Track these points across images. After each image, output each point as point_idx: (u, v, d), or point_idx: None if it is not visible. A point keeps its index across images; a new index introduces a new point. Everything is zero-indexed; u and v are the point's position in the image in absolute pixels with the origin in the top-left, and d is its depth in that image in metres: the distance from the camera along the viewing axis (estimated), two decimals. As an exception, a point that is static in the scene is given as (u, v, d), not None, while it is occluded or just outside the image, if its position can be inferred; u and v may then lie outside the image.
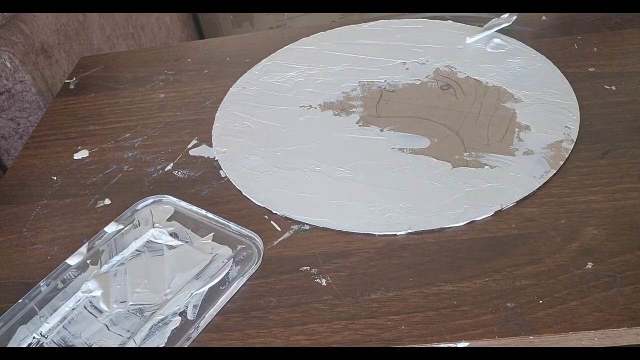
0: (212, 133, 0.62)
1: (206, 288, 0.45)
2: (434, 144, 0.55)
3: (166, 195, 0.54)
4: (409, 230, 0.47)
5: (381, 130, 0.58)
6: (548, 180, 0.50)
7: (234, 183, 0.55)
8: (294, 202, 0.52)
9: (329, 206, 0.51)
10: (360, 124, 0.60)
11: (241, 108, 0.65)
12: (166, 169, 0.58)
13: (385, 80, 0.65)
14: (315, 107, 0.63)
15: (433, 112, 0.59)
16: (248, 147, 0.59)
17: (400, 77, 0.65)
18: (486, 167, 0.52)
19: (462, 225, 0.47)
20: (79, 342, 0.43)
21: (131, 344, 0.42)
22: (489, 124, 0.57)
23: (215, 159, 0.58)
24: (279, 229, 0.50)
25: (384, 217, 0.49)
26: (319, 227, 0.49)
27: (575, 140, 0.53)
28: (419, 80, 0.64)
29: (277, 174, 0.55)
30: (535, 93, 0.60)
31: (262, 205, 0.52)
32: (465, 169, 0.52)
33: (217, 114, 0.65)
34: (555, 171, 0.50)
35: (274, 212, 0.51)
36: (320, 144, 0.58)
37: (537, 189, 0.49)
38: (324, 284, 0.45)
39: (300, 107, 0.64)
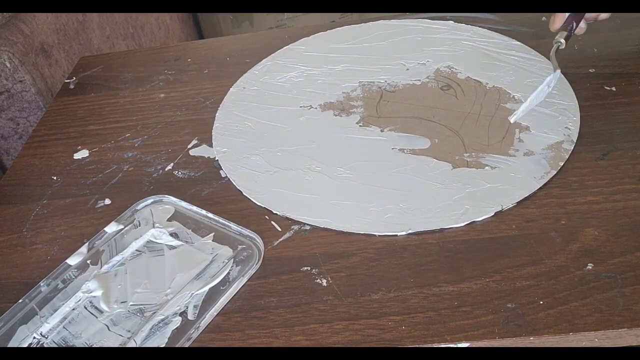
0: (213, 133, 0.62)
1: (207, 288, 0.45)
2: (434, 145, 0.55)
3: (166, 195, 0.54)
4: (410, 231, 0.47)
5: (381, 131, 0.58)
6: (548, 181, 0.50)
7: (234, 183, 0.55)
8: (294, 203, 0.52)
9: (329, 206, 0.51)
10: (361, 125, 0.60)
11: (241, 108, 0.65)
12: (166, 169, 0.58)
13: (385, 81, 0.65)
14: (316, 108, 0.63)
15: (433, 113, 0.60)
16: (248, 147, 0.59)
17: (400, 78, 0.65)
18: (486, 167, 0.52)
19: (463, 226, 0.47)
20: (79, 342, 0.43)
21: (131, 344, 0.42)
22: (490, 124, 0.57)
23: (216, 159, 0.58)
24: (279, 229, 0.50)
25: (385, 217, 0.49)
26: (320, 227, 0.49)
27: (575, 141, 0.53)
28: (419, 80, 0.64)
29: (278, 174, 0.55)
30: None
31: (263, 206, 0.52)
32: (466, 170, 0.52)
33: (217, 114, 0.65)
34: (555, 172, 0.50)
35: (274, 212, 0.51)
36: (321, 144, 0.58)
37: (537, 190, 0.49)
38: (324, 284, 0.45)
39: (300, 107, 0.64)
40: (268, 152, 0.58)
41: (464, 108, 0.59)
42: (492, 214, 0.48)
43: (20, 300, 0.46)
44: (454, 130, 0.57)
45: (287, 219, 0.50)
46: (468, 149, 0.54)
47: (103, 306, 0.45)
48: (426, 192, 0.51)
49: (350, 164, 0.55)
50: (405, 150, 0.55)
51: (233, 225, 0.50)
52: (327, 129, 0.60)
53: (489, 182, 0.50)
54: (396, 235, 0.47)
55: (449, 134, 0.56)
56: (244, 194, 0.54)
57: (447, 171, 0.52)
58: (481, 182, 0.51)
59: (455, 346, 0.39)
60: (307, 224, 0.49)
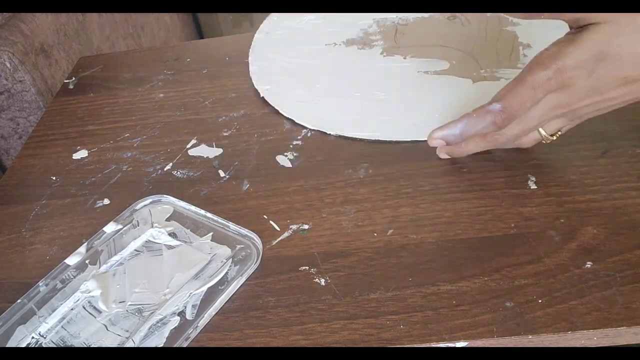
0: (251, 74, 0.69)
1: (205, 288, 0.45)
2: (452, 66, 0.64)
3: (165, 195, 0.54)
4: None
5: (404, 58, 0.66)
6: (547, 179, 0.50)
7: (284, 114, 0.61)
8: (343, 123, 0.59)
9: (375, 123, 0.58)
10: (385, 55, 0.68)
11: (271, 51, 0.72)
12: (165, 169, 0.58)
13: (397, 16, 0.73)
14: (340, 44, 0.71)
15: (446, 40, 0.68)
16: (289, 84, 0.66)
17: (409, 14, 0.73)
18: (501, 79, 0.60)
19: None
20: (77, 342, 0.43)
21: (130, 344, 0.42)
22: (496, 45, 0.65)
23: (261, 96, 0.65)
24: (278, 228, 0.50)
25: (423, 126, 0.55)
26: (371, 140, 0.56)
27: None
28: (427, 14, 0.72)
29: (322, 102, 0.62)
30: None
31: (316, 129, 0.59)
32: (485, 83, 0.60)
33: (249, 58, 0.72)
34: None
35: (327, 132, 0.58)
36: (354, 74, 0.65)
37: (536, 189, 0.49)
38: (322, 283, 0.44)
39: (325, 45, 0.71)
40: (307, 86, 0.65)
41: (472, 33, 0.68)
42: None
43: (18, 300, 0.46)
44: (467, 52, 0.65)
45: (340, 137, 0.57)
46: (482, 66, 0.63)
47: (101, 306, 0.45)
48: (455, 103, 0.58)
49: (384, 87, 0.63)
50: (430, 72, 0.63)
51: (232, 225, 0.50)
52: (355, 61, 0.68)
53: None
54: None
55: (463, 56, 0.65)
56: (296, 121, 0.60)
57: (469, 85, 0.60)
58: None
59: (454, 345, 0.39)
60: (354, 139, 0.56)
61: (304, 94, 0.64)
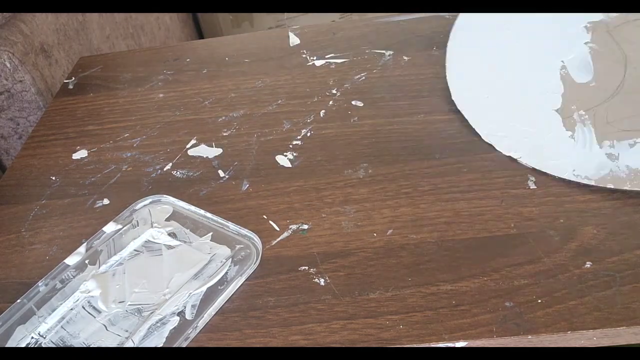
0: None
1: (204, 288, 0.45)
2: (585, 85, 0.53)
3: (165, 195, 0.54)
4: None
5: (584, 43, 0.56)
6: (546, 179, 0.50)
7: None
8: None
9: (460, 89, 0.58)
10: (586, 42, 0.56)
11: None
12: (165, 169, 0.58)
13: None
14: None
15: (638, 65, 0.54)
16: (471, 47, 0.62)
17: None
18: (570, 135, 0.51)
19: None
20: (77, 342, 0.43)
21: (129, 344, 0.42)
22: None
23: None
24: (277, 228, 0.50)
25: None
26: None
27: None
28: None
29: (469, 60, 0.60)
30: None
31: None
32: (558, 122, 0.52)
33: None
34: (613, 186, 0.47)
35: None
36: (525, 38, 0.59)
37: (536, 189, 0.49)
38: (322, 283, 0.44)
39: None
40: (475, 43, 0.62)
41: None
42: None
43: (18, 300, 0.46)
44: (621, 87, 0.52)
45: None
46: (591, 111, 0.51)
47: (101, 306, 0.45)
48: (516, 111, 0.55)
49: (521, 54, 0.58)
50: (564, 70, 0.55)
51: (231, 225, 0.50)
52: (547, 28, 0.59)
53: (550, 145, 0.50)
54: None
55: (610, 89, 0.52)
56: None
57: (548, 113, 0.53)
58: (551, 139, 0.51)
59: (454, 345, 0.39)
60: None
61: (468, 48, 0.62)
